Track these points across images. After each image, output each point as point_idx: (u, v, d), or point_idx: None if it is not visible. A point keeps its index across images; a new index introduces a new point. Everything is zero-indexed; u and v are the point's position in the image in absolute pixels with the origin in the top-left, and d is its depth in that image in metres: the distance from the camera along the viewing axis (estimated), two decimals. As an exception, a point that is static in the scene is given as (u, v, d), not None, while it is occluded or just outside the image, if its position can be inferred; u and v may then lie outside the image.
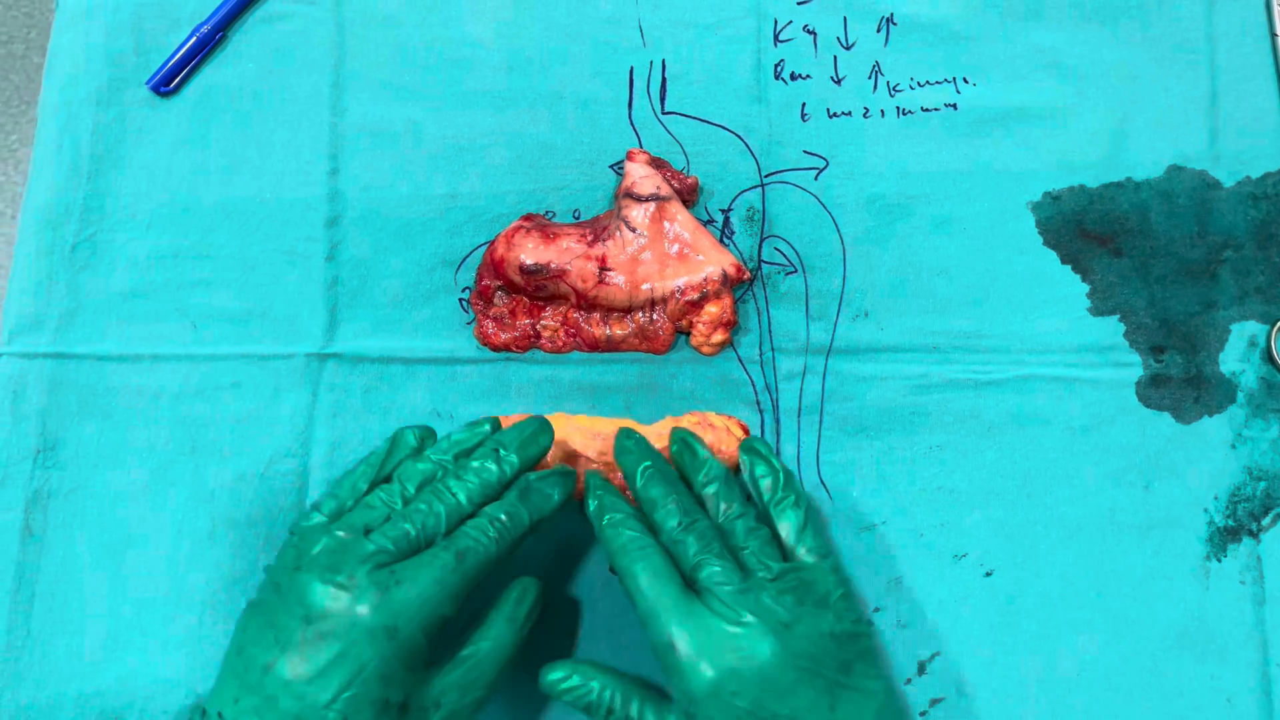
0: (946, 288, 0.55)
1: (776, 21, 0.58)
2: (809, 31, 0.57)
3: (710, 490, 0.47)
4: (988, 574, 0.53)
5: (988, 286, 0.55)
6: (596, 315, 0.54)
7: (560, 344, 0.55)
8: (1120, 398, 0.54)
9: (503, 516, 0.44)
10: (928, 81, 0.57)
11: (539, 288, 0.54)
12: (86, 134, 0.57)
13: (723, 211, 0.56)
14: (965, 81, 0.57)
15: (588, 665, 0.44)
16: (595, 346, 0.55)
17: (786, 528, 0.45)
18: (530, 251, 0.53)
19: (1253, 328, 0.54)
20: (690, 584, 0.43)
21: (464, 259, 0.56)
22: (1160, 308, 0.54)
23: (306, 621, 0.40)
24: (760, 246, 0.56)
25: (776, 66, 0.57)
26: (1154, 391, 0.54)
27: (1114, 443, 0.53)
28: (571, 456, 0.52)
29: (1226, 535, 0.52)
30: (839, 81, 0.57)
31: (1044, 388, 0.54)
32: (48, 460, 0.54)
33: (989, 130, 0.56)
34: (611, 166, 0.57)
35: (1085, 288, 0.55)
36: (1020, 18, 0.57)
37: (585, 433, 0.52)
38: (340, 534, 0.42)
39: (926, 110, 0.57)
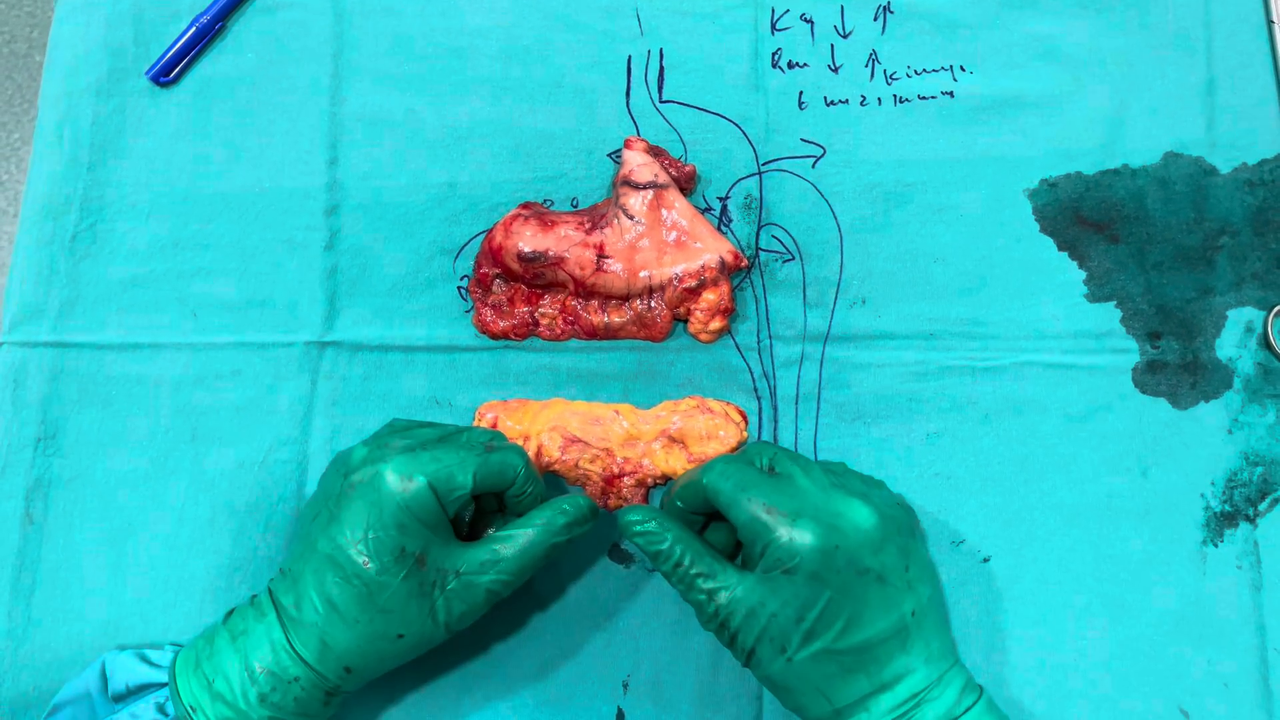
0: (943, 275, 0.55)
1: (774, 10, 0.58)
2: (806, 20, 0.58)
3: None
4: (985, 560, 0.53)
5: (984, 273, 0.55)
6: (594, 303, 0.54)
7: (558, 331, 0.55)
8: (1117, 384, 0.54)
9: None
10: (924, 69, 0.57)
11: (537, 275, 0.54)
12: (87, 124, 0.57)
13: (720, 199, 0.56)
14: (962, 69, 0.57)
15: (666, 517, 0.46)
16: (593, 334, 0.55)
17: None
18: (528, 239, 0.53)
19: (1249, 313, 0.54)
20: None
21: (462, 247, 0.56)
22: (1157, 294, 0.54)
23: (345, 478, 0.45)
24: (758, 234, 0.56)
25: (774, 55, 0.57)
26: (1151, 377, 0.54)
27: (1111, 429, 0.53)
28: (571, 442, 0.52)
29: (1223, 520, 0.52)
30: (836, 70, 0.57)
31: (1041, 374, 0.54)
32: (48, 448, 0.54)
33: (986, 118, 0.56)
34: (609, 155, 0.57)
35: (1082, 274, 0.55)
36: (1017, 6, 0.57)
37: (584, 418, 0.53)
38: (399, 426, 0.48)
39: (923, 98, 0.57)
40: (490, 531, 0.48)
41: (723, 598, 0.44)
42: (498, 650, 0.52)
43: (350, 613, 0.43)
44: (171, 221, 0.57)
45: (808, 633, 0.43)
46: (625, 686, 0.52)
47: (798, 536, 0.43)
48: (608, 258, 0.53)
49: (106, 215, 0.57)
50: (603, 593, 0.53)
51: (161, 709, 0.44)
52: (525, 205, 0.55)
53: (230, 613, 0.46)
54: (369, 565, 0.43)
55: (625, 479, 0.52)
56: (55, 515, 0.53)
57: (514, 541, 0.46)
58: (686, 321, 0.54)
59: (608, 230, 0.53)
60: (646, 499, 0.53)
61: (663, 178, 0.54)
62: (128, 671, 0.46)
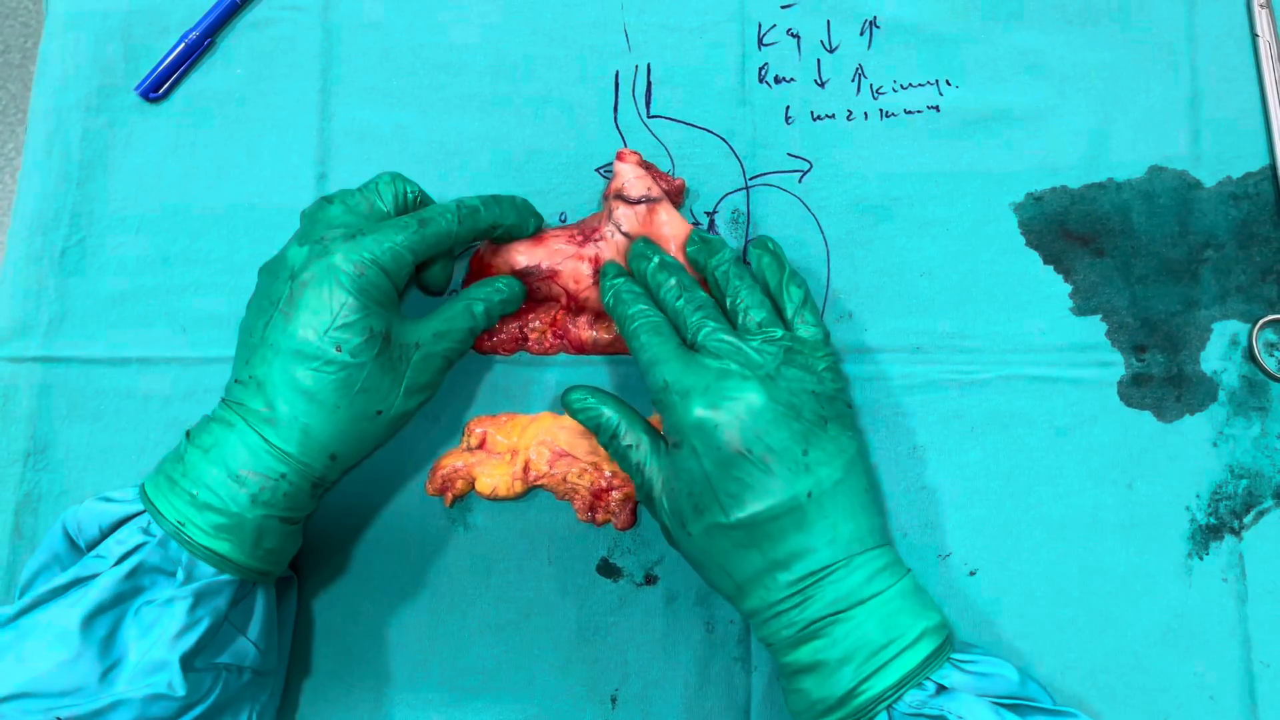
0: (929, 289, 0.55)
1: (760, 25, 0.58)
2: (792, 35, 0.58)
3: (720, 270, 0.50)
4: (971, 573, 0.53)
5: (970, 287, 0.55)
6: (584, 318, 0.55)
7: (547, 345, 0.55)
8: (1102, 397, 0.54)
9: (469, 203, 0.50)
10: (910, 84, 0.57)
11: (531, 290, 0.54)
12: (76, 139, 0.58)
13: (708, 214, 0.56)
14: (948, 84, 0.57)
15: (603, 394, 0.50)
16: (582, 349, 0.55)
17: (790, 304, 0.49)
18: (522, 252, 0.53)
19: (1234, 326, 0.54)
20: (691, 347, 0.48)
21: (451, 262, 0.56)
22: (1142, 307, 0.55)
23: (293, 279, 0.46)
24: (745, 249, 0.56)
25: (760, 70, 0.58)
26: (1136, 390, 0.54)
27: (1096, 442, 0.53)
28: (559, 456, 0.52)
29: (1209, 533, 0.53)
30: (822, 84, 0.57)
31: (1027, 387, 0.54)
32: (38, 463, 0.54)
33: (971, 132, 0.57)
34: (598, 170, 0.57)
35: (1067, 288, 0.55)
36: (1002, 20, 0.57)
37: (572, 432, 0.53)
38: (316, 218, 0.49)
39: (909, 112, 0.57)
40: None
41: (646, 470, 0.47)
42: (484, 664, 0.53)
43: (330, 400, 0.45)
44: (161, 237, 0.57)
45: (695, 507, 0.45)
46: (613, 701, 0.52)
47: (683, 413, 0.45)
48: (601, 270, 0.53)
49: (96, 230, 0.57)
50: (590, 607, 0.53)
51: (146, 531, 0.44)
52: (490, 243, 0.55)
53: (187, 436, 0.46)
54: (342, 351, 0.45)
55: (613, 493, 0.52)
56: (45, 530, 0.53)
57: (459, 314, 0.49)
58: None
59: (601, 244, 0.54)
60: (635, 514, 0.53)
61: (655, 191, 0.54)
62: (95, 517, 0.45)
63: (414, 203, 0.51)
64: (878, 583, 0.44)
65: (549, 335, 0.55)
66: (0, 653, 0.41)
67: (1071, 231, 0.55)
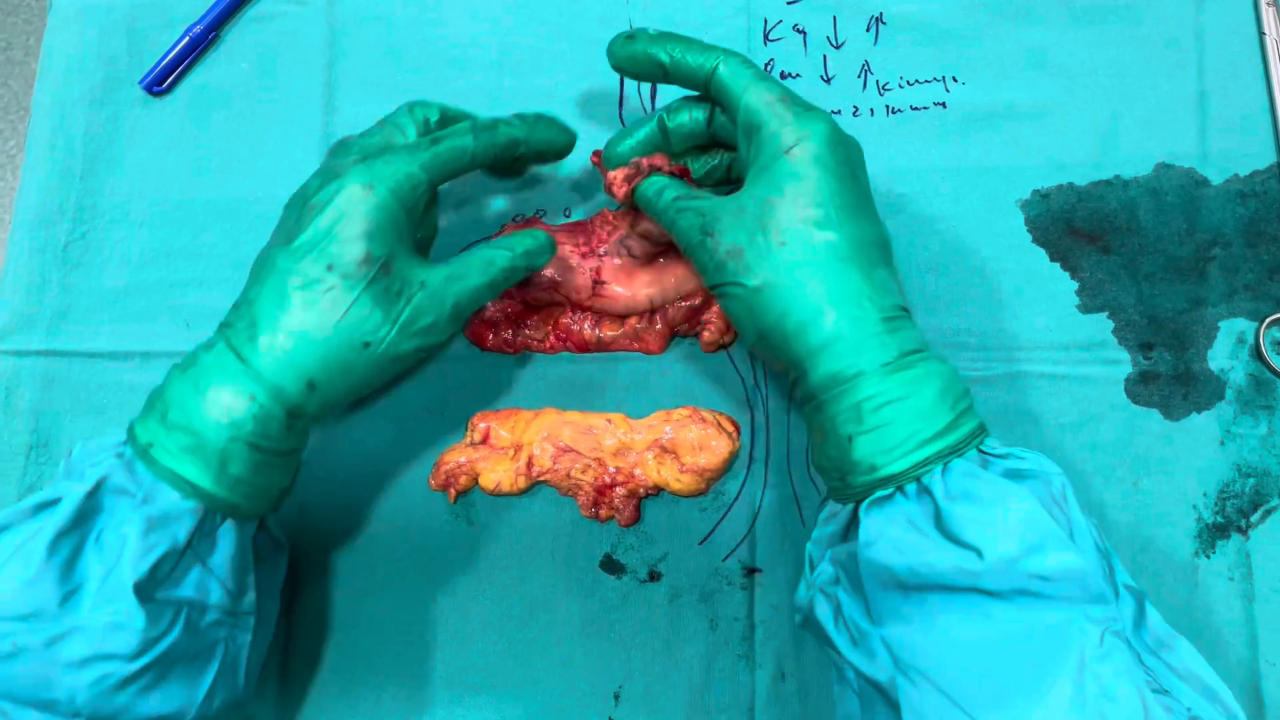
0: (935, 285, 0.55)
1: (766, 21, 0.58)
2: (799, 31, 0.58)
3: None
4: (977, 570, 0.53)
5: (976, 284, 0.55)
6: (587, 319, 0.54)
7: (549, 346, 0.55)
8: (1109, 395, 0.54)
9: (486, 119, 0.48)
10: (917, 80, 0.57)
11: (531, 297, 0.54)
12: (80, 133, 0.58)
13: (713, 210, 0.56)
14: (954, 80, 0.57)
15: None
16: (586, 348, 0.55)
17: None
18: None
19: (1241, 324, 0.54)
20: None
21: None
22: (1149, 305, 0.54)
23: (304, 203, 0.44)
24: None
25: (766, 66, 0.57)
26: (1143, 388, 0.54)
27: (1103, 440, 0.53)
28: (563, 451, 0.52)
29: (1215, 532, 0.52)
30: (829, 80, 0.57)
31: (1033, 385, 0.54)
32: (40, 456, 0.54)
33: (978, 129, 0.56)
34: (592, 158, 0.57)
35: (1074, 285, 0.55)
36: (1009, 16, 0.57)
37: (576, 428, 0.52)
38: (334, 152, 0.47)
39: (916, 109, 0.57)
40: None
41: (706, 203, 0.45)
42: (488, 661, 0.52)
43: (313, 320, 0.42)
44: (164, 231, 0.57)
45: (803, 218, 0.42)
46: (616, 698, 0.52)
47: (810, 122, 0.43)
48: (605, 283, 0.53)
49: (99, 224, 0.57)
50: (594, 603, 0.53)
51: (118, 454, 0.42)
52: (515, 222, 0.55)
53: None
54: (334, 270, 0.42)
55: (617, 489, 0.52)
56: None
57: (477, 261, 0.46)
58: (689, 335, 0.55)
59: (604, 259, 0.53)
60: (638, 510, 0.53)
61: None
62: (89, 449, 0.44)
63: (436, 126, 0.48)
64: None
65: (551, 337, 0.55)
66: None
67: (1078, 229, 0.55)
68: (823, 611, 0.42)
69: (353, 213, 0.43)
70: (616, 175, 0.48)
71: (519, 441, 0.53)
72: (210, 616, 0.43)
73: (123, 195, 0.57)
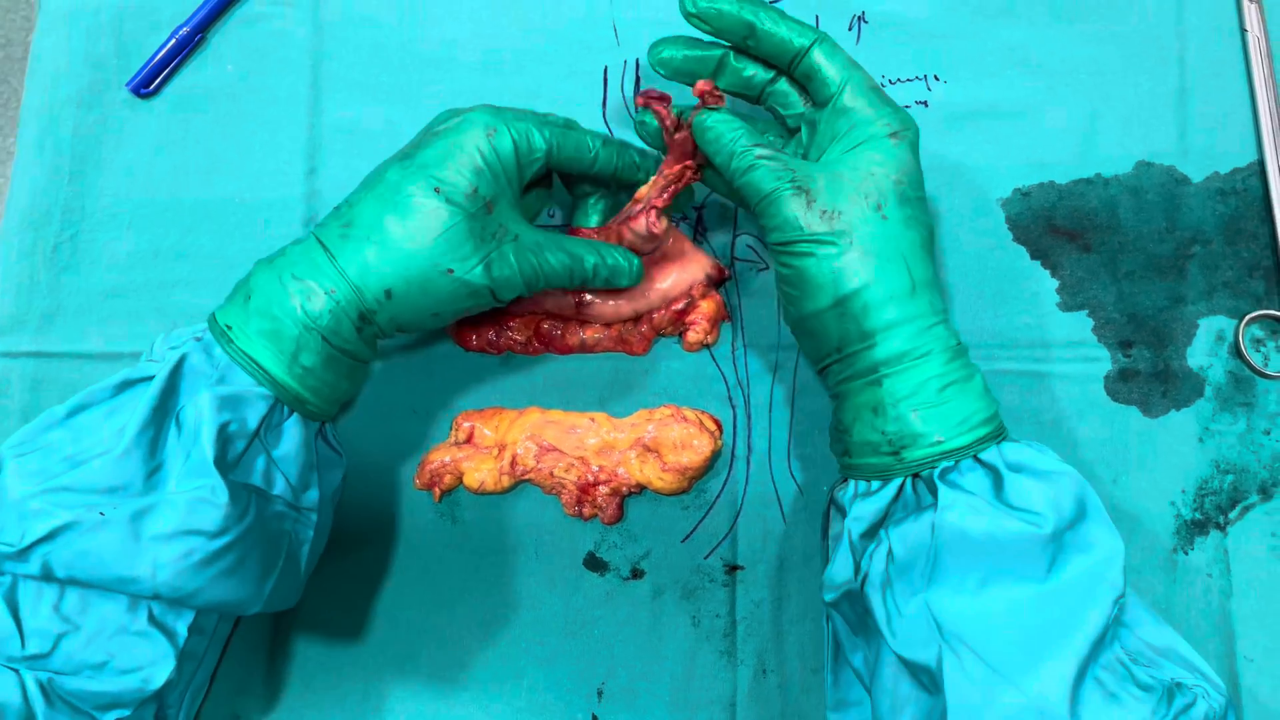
0: (917, 284, 0.55)
1: (749, 20, 0.58)
2: (781, 30, 0.58)
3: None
4: (957, 567, 0.53)
5: (957, 282, 0.55)
6: (572, 325, 0.55)
7: (534, 349, 0.55)
8: (1089, 392, 0.54)
9: (618, 140, 0.50)
10: (899, 79, 0.57)
11: (518, 310, 0.54)
12: (68, 135, 0.58)
13: (695, 209, 0.56)
14: (936, 79, 0.57)
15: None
16: (569, 351, 0.55)
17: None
18: None
19: (1220, 322, 0.54)
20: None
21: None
22: (1129, 303, 0.54)
23: (429, 129, 0.47)
24: (733, 243, 0.56)
25: (749, 65, 0.57)
26: (1122, 386, 0.54)
27: (1083, 436, 0.53)
28: (546, 450, 0.52)
29: (1194, 528, 0.53)
30: (811, 79, 0.57)
31: (1013, 382, 0.54)
32: (30, 457, 0.54)
33: (959, 127, 0.56)
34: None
35: (1054, 283, 0.55)
36: (991, 15, 0.57)
37: (559, 427, 0.53)
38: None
39: (898, 107, 0.57)
40: None
41: (793, 161, 0.45)
42: (472, 658, 0.53)
43: (406, 233, 0.43)
44: (152, 232, 0.57)
45: (902, 195, 0.44)
46: (600, 694, 0.52)
47: (910, 118, 0.46)
48: (591, 301, 0.53)
49: (87, 226, 0.57)
50: (577, 601, 0.53)
51: (198, 337, 0.44)
52: None
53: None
54: (440, 192, 0.44)
55: (600, 487, 0.52)
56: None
57: (569, 247, 0.48)
58: (676, 336, 0.55)
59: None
60: (621, 508, 0.53)
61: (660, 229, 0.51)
62: (169, 341, 0.45)
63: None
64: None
65: (534, 342, 0.55)
66: (49, 450, 0.40)
67: (1059, 227, 0.55)
68: (873, 589, 0.42)
69: (470, 148, 0.45)
70: (701, 88, 0.47)
71: (503, 441, 0.53)
72: (276, 506, 0.44)
73: (110, 197, 0.57)
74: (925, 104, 0.57)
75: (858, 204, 0.43)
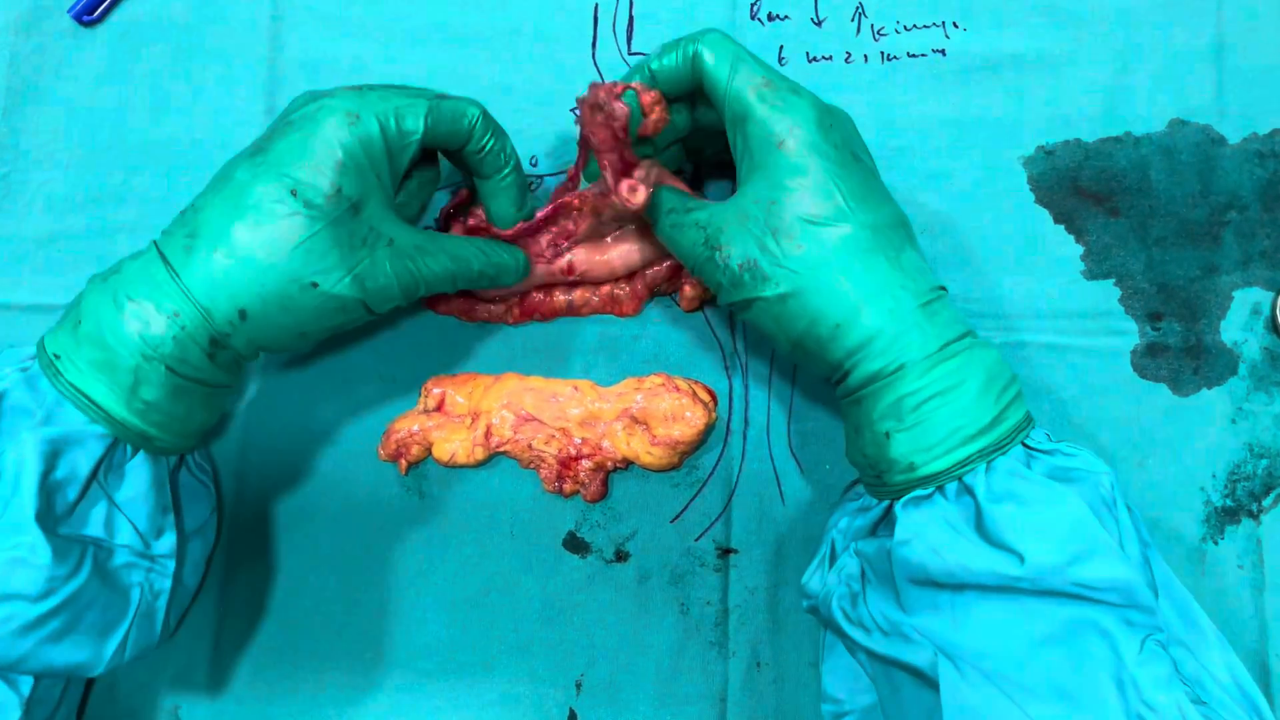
0: (931, 247, 0.52)
1: (754, -44, 0.54)
2: (788, -32, 0.54)
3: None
4: (969, 554, 0.50)
5: (975, 247, 0.52)
6: (560, 287, 0.51)
7: (515, 318, 0.51)
8: (1114, 367, 0.51)
9: (498, 127, 0.45)
10: (915, 25, 0.54)
11: (498, 294, 0.51)
12: (2, 66, 0.55)
13: (693, 162, 0.52)
14: (955, 26, 0.54)
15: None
16: (555, 315, 0.51)
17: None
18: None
19: (1257, 294, 0.51)
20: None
21: (412, 209, 0.52)
22: (1159, 272, 0.52)
23: (283, 118, 0.42)
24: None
25: (753, 6, 0.54)
26: (1150, 361, 0.51)
27: (1107, 415, 0.51)
28: (524, 420, 0.49)
29: (1225, 516, 0.50)
30: (819, 23, 0.54)
31: (1034, 355, 0.51)
32: (-49, 418, 0.50)
33: (979, 78, 0.53)
34: (572, 111, 0.53)
35: (1079, 249, 0.52)
36: (1015, -42, 0.54)
37: (539, 395, 0.50)
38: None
39: (913, 56, 0.54)
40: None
41: (703, 214, 0.42)
42: (439, 645, 0.50)
43: (260, 243, 0.38)
44: (93, 173, 0.54)
45: (807, 216, 0.40)
46: (578, 686, 0.50)
47: (796, 109, 0.41)
48: (582, 270, 0.49)
49: (21, 165, 0.54)
50: (556, 585, 0.50)
51: (24, 367, 0.39)
52: (461, 199, 0.50)
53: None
54: (297, 196, 0.39)
55: (583, 461, 0.49)
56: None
57: (450, 248, 0.44)
58: (671, 296, 0.52)
59: (577, 251, 0.49)
60: (606, 485, 0.50)
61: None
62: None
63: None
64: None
65: (516, 309, 0.51)
66: None
67: (1085, 189, 0.52)
68: (840, 604, 0.41)
69: (331, 139, 0.39)
70: (632, 180, 0.44)
71: (477, 409, 0.50)
72: (121, 558, 0.40)
73: (48, 134, 0.54)
74: (943, 53, 0.53)
75: (768, 245, 0.40)
